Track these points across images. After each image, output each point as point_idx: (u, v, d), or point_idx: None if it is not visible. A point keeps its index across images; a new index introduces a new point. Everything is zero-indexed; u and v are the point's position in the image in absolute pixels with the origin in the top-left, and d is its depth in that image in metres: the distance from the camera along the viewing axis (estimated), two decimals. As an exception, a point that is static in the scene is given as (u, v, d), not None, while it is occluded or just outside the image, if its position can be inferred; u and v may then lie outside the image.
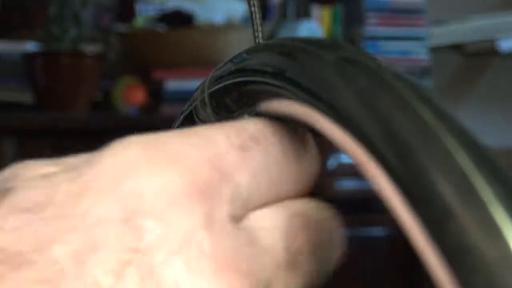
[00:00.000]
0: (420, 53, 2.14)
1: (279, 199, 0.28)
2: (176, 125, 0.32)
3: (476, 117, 2.32)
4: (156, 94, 1.91)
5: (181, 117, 0.32)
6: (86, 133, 1.80)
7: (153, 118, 1.87)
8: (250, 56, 0.29)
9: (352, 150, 0.24)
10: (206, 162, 0.26)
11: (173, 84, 1.89)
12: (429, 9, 2.16)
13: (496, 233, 0.20)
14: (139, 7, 2.08)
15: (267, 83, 0.28)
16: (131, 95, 1.92)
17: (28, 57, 1.89)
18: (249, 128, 0.28)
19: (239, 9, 2.09)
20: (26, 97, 1.92)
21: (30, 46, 1.94)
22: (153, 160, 0.25)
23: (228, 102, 0.30)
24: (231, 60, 0.30)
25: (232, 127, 0.28)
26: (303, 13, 2.15)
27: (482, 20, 2.15)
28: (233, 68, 0.30)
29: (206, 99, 0.31)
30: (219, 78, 0.30)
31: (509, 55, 2.18)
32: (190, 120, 0.32)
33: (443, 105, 0.23)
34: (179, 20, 2.02)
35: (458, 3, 2.28)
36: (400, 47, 2.13)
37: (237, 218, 0.26)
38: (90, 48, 1.97)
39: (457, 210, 0.21)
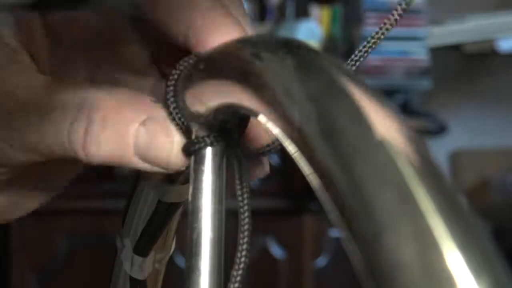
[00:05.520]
0: (419, 53, 2.14)
1: None
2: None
3: (475, 117, 2.32)
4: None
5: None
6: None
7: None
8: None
9: (292, 151, 0.24)
10: None
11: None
12: (428, 9, 2.16)
13: (432, 246, 0.19)
14: (138, 7, 2.08)
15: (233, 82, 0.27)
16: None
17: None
18: None
19: (238, 9, 2.09)
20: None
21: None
22: None
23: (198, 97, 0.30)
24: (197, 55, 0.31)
25: None
26: (302, 13, 2.15)
27: (481, 20, 2.16)
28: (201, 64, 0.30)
29: (179, 93, 0.31)
30: (190, 75, 0.30)
31: (508, 55, 2.18)
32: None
33: (396, 112, 0.22)
34: (178, 20, 2.02)
35: (457, 3, 2.28)
36: (400, 47, 2.13)
37: None
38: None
39: (393, 222, 0.19)
